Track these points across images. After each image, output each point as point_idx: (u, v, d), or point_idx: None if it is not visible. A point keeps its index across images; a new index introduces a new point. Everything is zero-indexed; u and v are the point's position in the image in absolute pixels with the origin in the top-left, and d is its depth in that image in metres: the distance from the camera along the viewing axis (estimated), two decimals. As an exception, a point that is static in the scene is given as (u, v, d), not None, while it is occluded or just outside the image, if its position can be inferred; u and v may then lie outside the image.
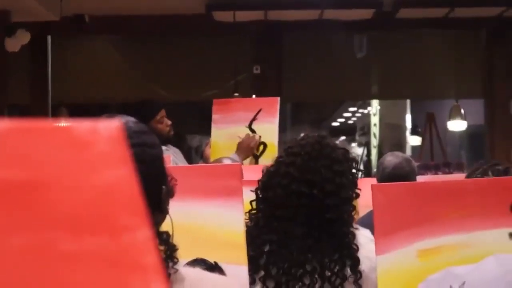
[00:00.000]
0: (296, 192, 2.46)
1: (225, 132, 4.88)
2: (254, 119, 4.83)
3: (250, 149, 4.74)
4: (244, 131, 4.79)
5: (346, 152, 2.60)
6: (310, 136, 2.61)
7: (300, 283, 2.44)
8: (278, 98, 4.97)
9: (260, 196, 2.53)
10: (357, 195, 2.58)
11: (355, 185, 2.57)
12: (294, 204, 2.46)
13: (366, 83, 9.59)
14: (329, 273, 2.44)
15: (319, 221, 2.46)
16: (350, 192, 2.52)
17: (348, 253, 2.46)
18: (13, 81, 8.30)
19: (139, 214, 0.51)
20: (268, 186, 2.52)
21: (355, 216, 2.62)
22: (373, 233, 2.46)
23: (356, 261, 2.44)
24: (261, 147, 4.80)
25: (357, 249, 2.47)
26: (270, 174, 2.54)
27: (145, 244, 0.50)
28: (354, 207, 2.54)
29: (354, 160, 2.62)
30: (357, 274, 2.45)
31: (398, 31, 9.04)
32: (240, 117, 4.87)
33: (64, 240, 0.50)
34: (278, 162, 2.58)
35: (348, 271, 2.46)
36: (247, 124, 4.83)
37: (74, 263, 0.50)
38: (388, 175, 4.07)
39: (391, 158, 4.22)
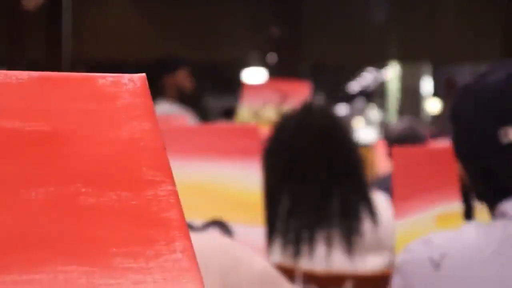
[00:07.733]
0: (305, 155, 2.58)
1: (252, 109, 4.88)
2: (282, 102, 4.83)
3: None
4: (270, 112, 4.79)
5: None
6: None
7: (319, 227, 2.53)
8: (309, 84, 4.99)
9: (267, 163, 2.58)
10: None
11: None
12: (313, 158, 2.57)
13: (386, 45, 9.54)
14: (346, 216, 2.53)
15: (332, 163, 2.56)
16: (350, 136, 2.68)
17: (363, 196, 2.56)
18: (30, 38, 8.28)
19: (162, 168, 0.50)
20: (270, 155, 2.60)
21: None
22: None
23: (369, 201, 2.52)
24: None
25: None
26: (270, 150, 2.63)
27: (168, 198, 0.49)
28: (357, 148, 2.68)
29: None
30: (373, 214, 2.54)
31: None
32: (268, 98, 4.89)
33: (86, 194, 0.49)
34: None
35: (365, 211, 2.55)
36: (274, 106, 4.84)
37: (96, 217, 0.49)
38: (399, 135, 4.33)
39: (399, 123, 4.52)
